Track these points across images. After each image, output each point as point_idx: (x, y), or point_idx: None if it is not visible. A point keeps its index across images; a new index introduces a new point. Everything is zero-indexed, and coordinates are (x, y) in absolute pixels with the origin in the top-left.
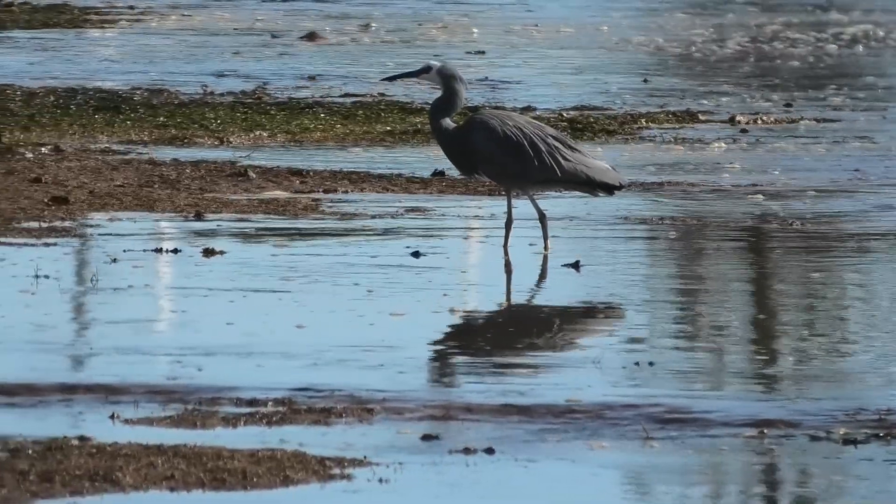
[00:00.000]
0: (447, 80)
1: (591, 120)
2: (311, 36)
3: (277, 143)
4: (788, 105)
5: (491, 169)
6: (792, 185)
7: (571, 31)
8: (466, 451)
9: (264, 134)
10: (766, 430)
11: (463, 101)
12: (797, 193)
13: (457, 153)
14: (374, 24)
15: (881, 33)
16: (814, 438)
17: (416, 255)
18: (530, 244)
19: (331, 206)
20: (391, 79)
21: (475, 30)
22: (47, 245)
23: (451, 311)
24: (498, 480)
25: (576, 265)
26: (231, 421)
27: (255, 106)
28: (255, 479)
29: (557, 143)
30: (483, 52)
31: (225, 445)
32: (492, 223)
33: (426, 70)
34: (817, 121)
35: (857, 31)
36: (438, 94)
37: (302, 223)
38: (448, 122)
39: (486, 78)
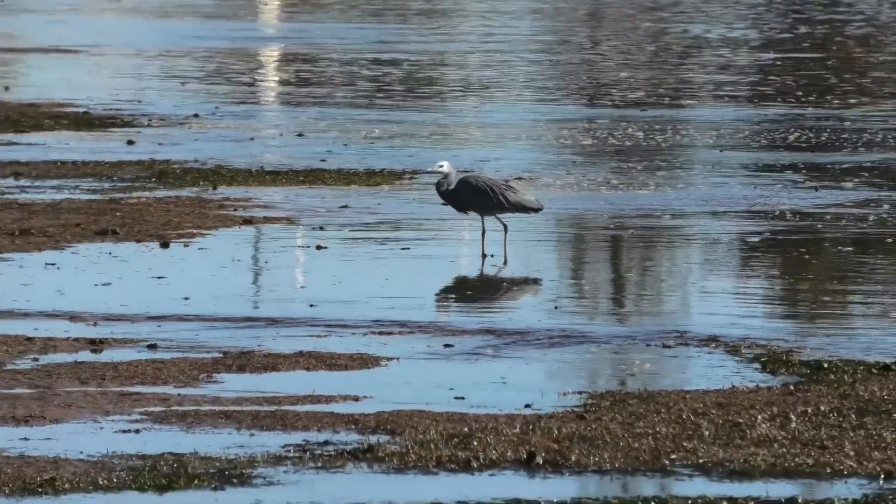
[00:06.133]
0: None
1: (519, 176)
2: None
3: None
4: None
5: (474, 206)
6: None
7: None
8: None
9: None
10: (591, 347)
11: (448, 183)
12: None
13: (453, 202)
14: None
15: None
16: (647, 345)
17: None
18: (492, 256)
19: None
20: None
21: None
22: (237, 242)
23: (453, 280)
24: (468, 369)
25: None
26: (339, 338)
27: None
28: (350, 367)
29: (505, 189)
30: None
31: (335, 351)
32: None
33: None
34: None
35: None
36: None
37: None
38: (445, 188)
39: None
